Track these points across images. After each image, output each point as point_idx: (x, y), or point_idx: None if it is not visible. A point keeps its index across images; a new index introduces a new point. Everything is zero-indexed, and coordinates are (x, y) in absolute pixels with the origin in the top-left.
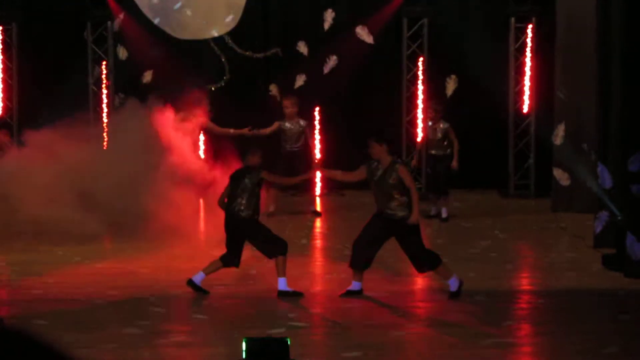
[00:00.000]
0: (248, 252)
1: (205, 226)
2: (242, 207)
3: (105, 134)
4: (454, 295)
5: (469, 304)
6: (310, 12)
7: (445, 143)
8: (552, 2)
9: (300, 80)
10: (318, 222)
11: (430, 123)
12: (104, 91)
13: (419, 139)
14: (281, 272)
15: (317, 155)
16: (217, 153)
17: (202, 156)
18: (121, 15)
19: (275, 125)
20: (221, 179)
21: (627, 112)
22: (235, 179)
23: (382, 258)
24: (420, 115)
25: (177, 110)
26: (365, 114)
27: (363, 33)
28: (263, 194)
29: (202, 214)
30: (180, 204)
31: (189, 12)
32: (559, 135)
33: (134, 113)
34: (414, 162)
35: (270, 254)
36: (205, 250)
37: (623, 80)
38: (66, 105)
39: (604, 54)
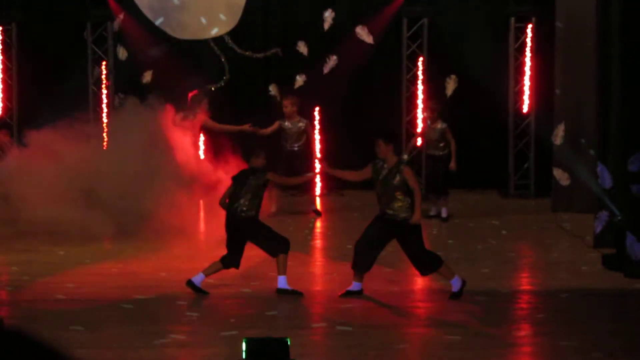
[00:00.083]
0: (248, 252)
1: (206, 226)
2: (245, 208)
3: (105, 134)
4: (456, 296)
5: (469, 304)
6: (310, 12)
7: (443, 144)
8: (552, 2)
9: (300, 80)
10: (318, 222)
11: (428, 122)
12: (104, 91)
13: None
14: (282, 270)
15: (318, 154)
16: (217, 152)
17: (202, 156)
18: (121, 16)
19: (276, 124)
20: (224, 179)
21: (627, 112)
22: (239, 179)
23: (382, 258)
24: (420, 115)
25: (177, 109)
26: (365, 114)
27: (363, 33)
28: (265, 194)
29: (202, 214)
30: (182, 204)
31: (186, 14)
32: (558, 135)
33: (138, 113)
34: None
35: (273, 253)
36: (205, 250)
37: (623, 80)
38: (66, 106)
39: (604, 53)
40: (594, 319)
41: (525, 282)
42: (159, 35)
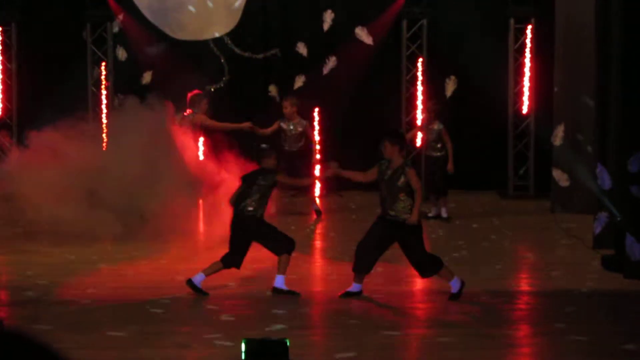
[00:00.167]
0: (249, 253)
1: (208, 227)
2: (251, 208)
3: (105, 134)
4: (455, 297)
5: (468, 304)
6: (309, 13)
7: (440, 145)
8: (551, 3)
9: (299, 81)
10: (318, 223)
11: (425, 123)
12: (103, 92)
13: (418, 140)
14: (282, 269)
15: (318, 156)
16: (217, 152)
17: (201, 156)
18: (121, 16)
19: (276, 125)
20: (228, 178)
21: (627, 113)
22: (248, 179)
23: (382, 258)
24: (419, 116)
25: (176, 110)
26: (365, 114)
27: (362, 34)
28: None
29: (203, 214)
30: (184, 205)
31: (192, 9)
32: (558, 136)
33: (144, 113)
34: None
35: (277, 251)
36: (205, 251)
37: (622, 81)
38: (65, 106)
39: (603, 54)
40: (593, 320)
41: (524, 283)
42: (159, 35)
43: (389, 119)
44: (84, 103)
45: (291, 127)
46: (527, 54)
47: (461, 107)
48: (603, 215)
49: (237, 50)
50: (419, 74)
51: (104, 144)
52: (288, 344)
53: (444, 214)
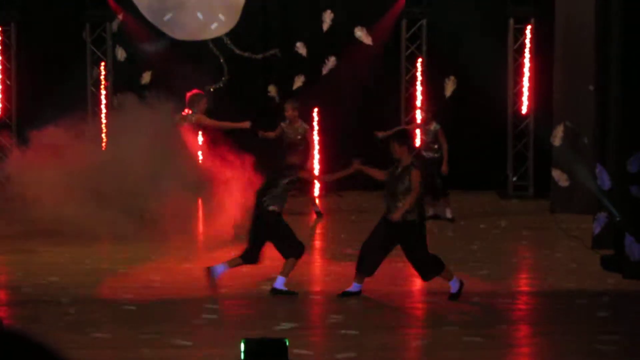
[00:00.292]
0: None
1: (209, 227)
2: (269, 202)
3: (104, 134)
4: (454, 297)
5: (467, 304)
6: (309, 13)
7: (436, 145)
8: (551, 3)
9: (299, 81)
10: (318, 223)
11: (423, 123)
12: (103, 92)
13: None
14: (285, 271)
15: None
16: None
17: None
18: (120, 16)
19: (279, 129)
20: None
21: (626, 113)
22: (271, 175)
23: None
24: (419, 116)
25: (176, 110)
26: (364, 114)
27: (362, 34)
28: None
29: (204, 214)
30: (186, 204)
31: (200, 15)
32: (557, 136)
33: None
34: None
35: (286, 254)
36: (204, 251)
37: (622, 81)
38: (65, 106)
39: (603, 54)
40: (592, 320)
41: (523, 283)
42: (159, 34)
43: (389, 119)
44: (83, 103)
45: (292, 131)
46: (527, 54)
47: (461, 107)
48: (602, 216)
49: (236, 50)
50: (419, 74)
51: (105, 143)
52: (287, 343)
53: (449, 215)
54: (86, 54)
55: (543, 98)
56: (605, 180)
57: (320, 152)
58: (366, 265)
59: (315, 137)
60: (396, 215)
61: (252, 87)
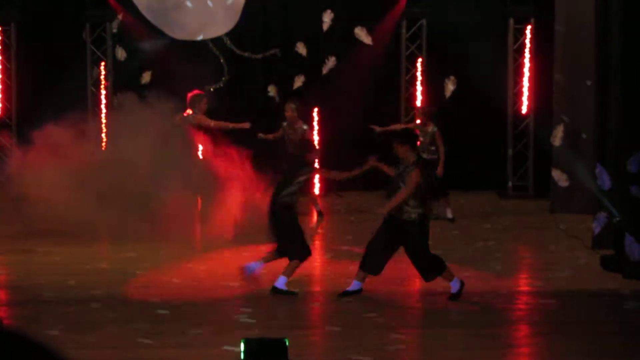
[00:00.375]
0: (250, 253)
1: (208, 228)
2: (285, 196)
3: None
4: (455, 297)
5: (467, 304)
6: (309, 13)
7: (434, 147)
8: (551, 3)
9: (298, 81)
10: (320, 223)
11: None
12: (103, 92)
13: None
14: (288, 272)
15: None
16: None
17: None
18: (120, 16)
19: (281, 130)
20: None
21: (626, 113)
22: (289, 170)
23: None
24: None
25: (176, 109)
26: (364, 114)
27: (362, 34)
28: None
29: (203, 214)
30: (185, 205)
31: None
32: (557, 136)
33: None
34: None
35: (291, 255)
36: (203, 251)
37: (622, 81)
38: (65, 106)
39: (603, 54)
40: (592, 320)
41: (523, 283)
42: (159, 33)
43: (388, 119)
44: (83, 103)
45: (292, 132)
46: (527, 54)
47: (460, 107)
48: (602, 216)
49: (236, 50)
50: (419, 74)
51: (105, 143)
52: (287, 343)
53: (449, 215)
54: (86, 54)
55: (543, 98)
56: (605, 180)
57: (319, 152)
58: (370, 263)
59: (315, 137)
60: (381, 210)
61: (252, 87)
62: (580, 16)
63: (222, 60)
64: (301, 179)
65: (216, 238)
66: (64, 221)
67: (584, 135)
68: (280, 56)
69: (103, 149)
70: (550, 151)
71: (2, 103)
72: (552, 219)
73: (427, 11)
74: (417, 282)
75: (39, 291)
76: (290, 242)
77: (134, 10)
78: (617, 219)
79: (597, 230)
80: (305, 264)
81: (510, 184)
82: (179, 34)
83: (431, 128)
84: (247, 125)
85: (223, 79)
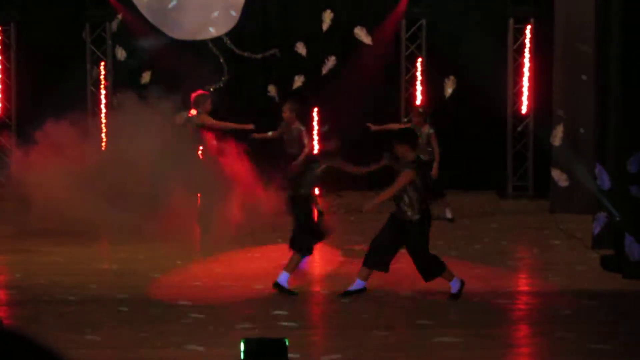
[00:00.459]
0: (250, 253)
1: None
2: (301, 186)
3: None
4: (455, 297)
5: (467, 304)
6: (309, 14)
7: (430, 148)
8: (551, 3)
9: (298, 81)
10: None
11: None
12: (102, 91)
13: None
14: (290, 267)
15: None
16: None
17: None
18: (120, 15)
19: (280, 129)
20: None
21: (626, 113)
22: (308, 164)
23: None
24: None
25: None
26: (363, 114)
27: (362, 34)
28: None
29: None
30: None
31: (212, 30)
32: (557, 136)
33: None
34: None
35: (293, 243)
36: (203, 251)
37: (622, 81)
38: (65, 106)
39: (603, 54)
40: (592, 320)
41: (523, 283)
42: (158, 34)
43: (388, 119)
44: (83, 103)
45: (288, 133)
46: (527, 54)
47: (460, 107)
48: (602, 215)
49: (236, 50)
50: (418, 74)
51: (105, 143)
52: (287, 343)
53: (449, 215)
54: (86, 53)
55: (543, 98)
56: (605, 180)
57: (319, 152)
58: (374, 259)
59: (315, 137)
60: (368, 206)
61: (252, 87)
62: (580, 16)
63: (222, 60)
64: (319, 167)
65: (216, 238)
66: (64, 221)
67: (581, 130)
68: (280, 56)
69: (103, 149)
70: (550, 151)
71: (2, 103)
72: (552, 219)
73: (427, 11)
74: (417, 282)
75: (39, 291)
76: (298, 233)
77: (134, 9)
78: (617, 218)
79: (597, 230)
80: (306, 264)
81: (510, 184)
82: (178, 34)
83: (426, 130)
84: (250, 126)
85: (223, 78)
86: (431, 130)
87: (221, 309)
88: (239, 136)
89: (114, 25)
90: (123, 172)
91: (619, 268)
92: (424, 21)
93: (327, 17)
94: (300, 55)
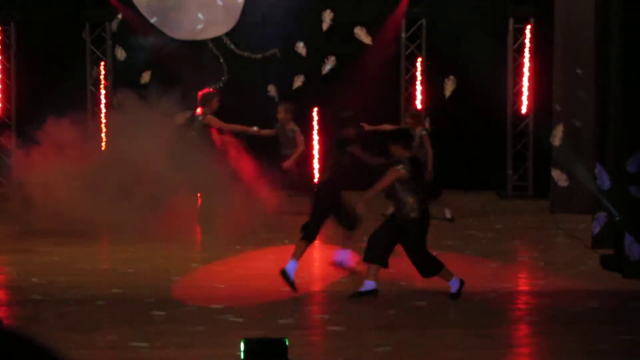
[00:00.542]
0: (250, 253)
1: (205, 228)
2: (327, 175)
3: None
4: (454, 297)
5: (467, 304)
6: (308, 13)
7: (424, 150)
8: (551, 3)
9: (298, 81)
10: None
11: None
12: (102, 91)
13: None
14: (296, 255)
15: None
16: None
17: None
18: (120, 15)
19: (275, 130)
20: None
21: (626, 113)
22: (332, 153)
23: None
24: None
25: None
26: (363, 114)
27: (361, 34)
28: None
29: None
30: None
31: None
32: (557, 136)
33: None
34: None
35: (302, 228)
36: (202, 251)
37: (621, 81)
38: (64, 106)
39: (603, 54)
40: (592, 320)
41: (523, 283)
42: (158, 34)
43: (388, 119)
44: (83, 102)
45: (283, 133)
46: (527, 54)
47: (460, 107)
48: (602, 215)
49: (236, 50)
50: (418, 73)
51: (105, 143)
52: (287, 343)
53: (448, 215)
54: (86, 53)
55: (543, 98)
56: (604, 180)
57: (319, 151)
58: (374, 253)
59: (315, 137)
60: (359, 205)
61: (252, 87)
62: (580, 16)
63: (221, 60)
64: (340, 153)
65: (216, 238)
66: (64, 221)
67: (577, 124)
68: (280, 56)
69: (103, 149)
70: (550, 151)
71: (2, 103)
72: (552, 219)
73: (427, 11)
74: (417, 282)
75: (39, 291)
76: (313, 213)
77: (134, 8)
78: (617, 218)
79: (596, 230)
80: (306, 264)
81: (510, 184)
82: (178, 34)
83: (419, 131)
84: (255, 128)
85: (223, 78)
86: (424, 132)
87: (220, 309)
88: (237, 134)
89: (114, 25)
90: (123, 172)
91: (619, 268)
92: (424, 21)
93: (327, 17)
94: (300, 55)
